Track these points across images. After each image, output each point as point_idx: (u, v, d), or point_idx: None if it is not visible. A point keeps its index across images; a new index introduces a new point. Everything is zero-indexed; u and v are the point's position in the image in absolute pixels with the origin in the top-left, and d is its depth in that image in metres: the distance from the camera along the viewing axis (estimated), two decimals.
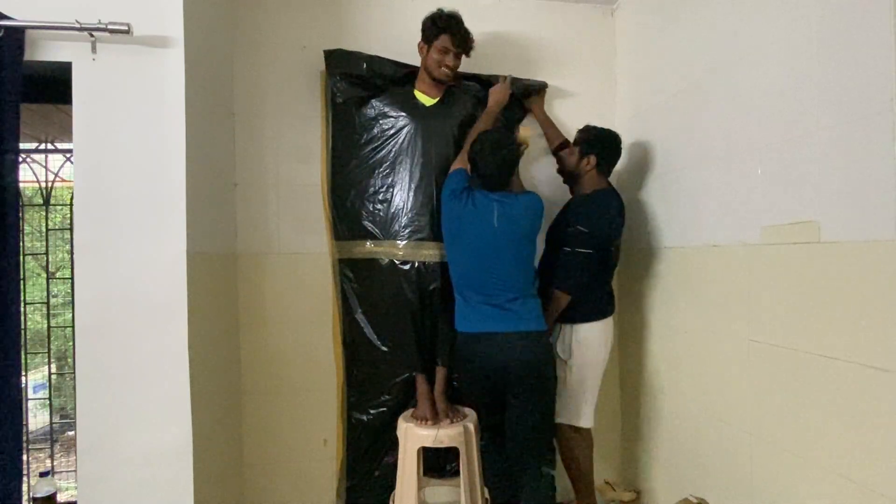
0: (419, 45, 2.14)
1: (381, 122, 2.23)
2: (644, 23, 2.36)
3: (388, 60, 2.22)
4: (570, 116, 2.48)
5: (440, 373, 2.22)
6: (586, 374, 2.09)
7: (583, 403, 2.10)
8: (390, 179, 2.22)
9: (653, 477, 2.31)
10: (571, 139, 2.29)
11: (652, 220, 2.26)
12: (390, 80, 2.23)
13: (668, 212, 2.16)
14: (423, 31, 2.10)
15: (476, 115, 2.26)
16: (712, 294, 1.88)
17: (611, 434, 2.55)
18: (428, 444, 2.02)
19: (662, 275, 2.19)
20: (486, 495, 2.16)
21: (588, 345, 2.08)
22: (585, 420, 2.12)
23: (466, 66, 2.25)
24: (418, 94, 2.21)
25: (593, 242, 2.01)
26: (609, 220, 2.06)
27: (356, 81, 2.22)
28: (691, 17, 2.00)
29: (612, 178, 2.51)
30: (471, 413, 2.18)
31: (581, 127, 2.22)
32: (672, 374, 2.15)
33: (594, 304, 2.10)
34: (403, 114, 2.21)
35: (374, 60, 2.21)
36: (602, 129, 2.18)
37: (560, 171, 2.29)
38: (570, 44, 2.52)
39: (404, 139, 2.21)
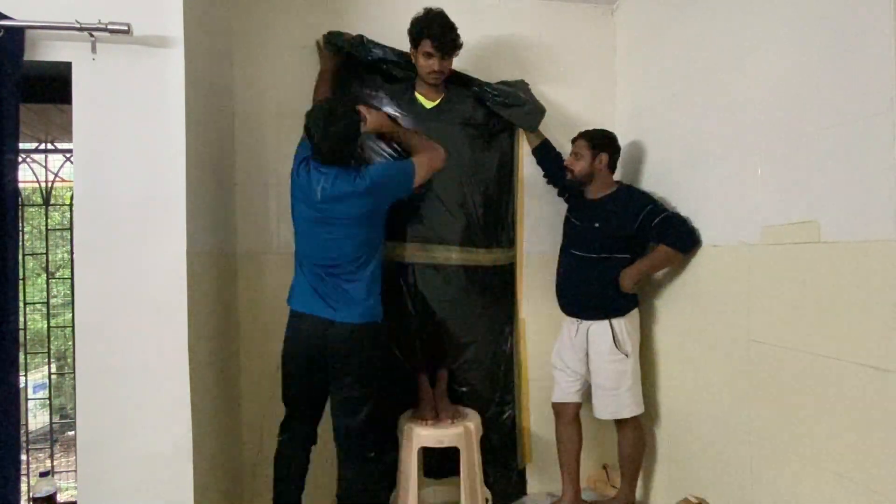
0: (410, 50, 2.11)
1: None
2: (644, 22, 2.36)
3: (383, 46, 2.16)
4: (569, 116, 2.48)
5: (441, 374, 2.22)
6: (635, 359, 2.14)
7: (639, 390, 2.14)
8: None
9: (653, 477, 2.31)
10: (554, 140, 2.33)
11: None
12: (382, 60, 2.17)
13: None
14: (409, 35, 2.07)
15: (477, 116, 2.26)
16: (712, 294, 1.88)
17: (611, 433, 2.54)
18: (429, 444, 2.02)
19: (662, 275, 2.19)
20: (487, 495, 2.16)
21: (638, 329, 2.16)
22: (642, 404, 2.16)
23: (464, 68, 2.25)
24: (419, 97, 2.21)
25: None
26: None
27: (348, 57, 2.16)
28: (691, 16, 2.00)
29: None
30: (471, 413, 2.18)
31: (577, 134, 2.18)
32: (672, 373, 2.15)
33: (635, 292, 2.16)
34: (404, 116, 2.20)
35: (376, 49, 2.15)
36: (602, 129, 2.18)
37: (561, 182, 2.29)
38: (570, 44, 2.51)
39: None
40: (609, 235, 2.09)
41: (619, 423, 2.17)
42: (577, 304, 2.18)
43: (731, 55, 1.77)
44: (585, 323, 2.15)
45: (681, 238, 1.97)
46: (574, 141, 2.19)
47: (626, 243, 2.08)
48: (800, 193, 1.48)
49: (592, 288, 2.12)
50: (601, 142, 2.13)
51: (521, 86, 2.32)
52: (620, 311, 2.10)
